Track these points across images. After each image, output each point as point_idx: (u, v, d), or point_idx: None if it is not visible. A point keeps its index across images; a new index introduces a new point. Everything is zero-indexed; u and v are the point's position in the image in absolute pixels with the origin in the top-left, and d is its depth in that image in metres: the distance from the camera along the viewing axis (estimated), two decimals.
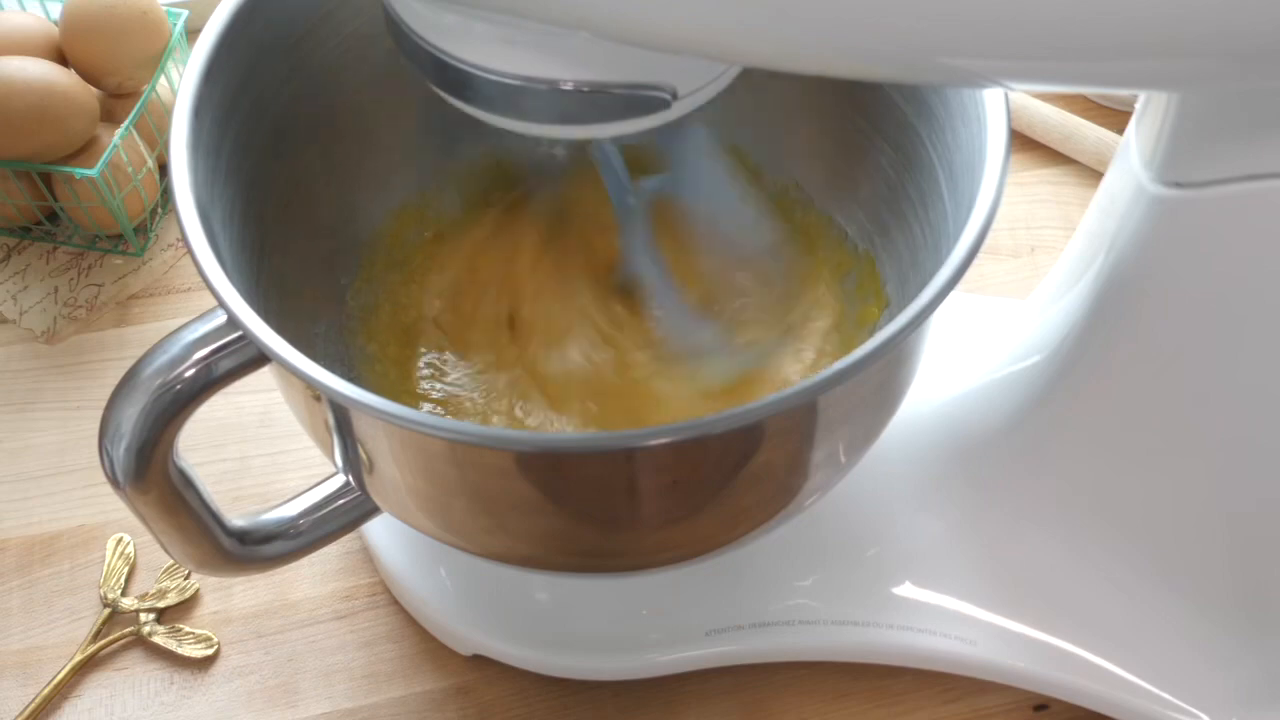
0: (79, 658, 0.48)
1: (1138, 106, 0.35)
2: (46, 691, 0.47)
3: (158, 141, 0.59)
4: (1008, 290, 0.59)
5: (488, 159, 0.48)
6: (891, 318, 0.30)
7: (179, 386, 0.32)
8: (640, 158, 0.44)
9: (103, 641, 0.48)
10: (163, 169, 0.60)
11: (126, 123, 0.56)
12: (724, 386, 0.44)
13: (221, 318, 0.32)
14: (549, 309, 0.45)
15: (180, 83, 0.35)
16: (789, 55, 0.25)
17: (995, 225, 0.32)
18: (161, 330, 0.47)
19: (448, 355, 0.46)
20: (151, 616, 0.49)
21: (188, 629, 0.49)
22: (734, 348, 0.45)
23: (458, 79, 0.28)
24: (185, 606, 0.50)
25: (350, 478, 0.37)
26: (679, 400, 0.43)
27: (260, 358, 0.32)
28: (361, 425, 0.33)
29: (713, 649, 0.45)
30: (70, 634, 0.49)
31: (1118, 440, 0.39)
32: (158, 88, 0.58)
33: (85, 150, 0.56)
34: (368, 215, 0.46)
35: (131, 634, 0.49)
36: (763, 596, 0.46)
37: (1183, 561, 0.42)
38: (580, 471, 0.33)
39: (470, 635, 0.46)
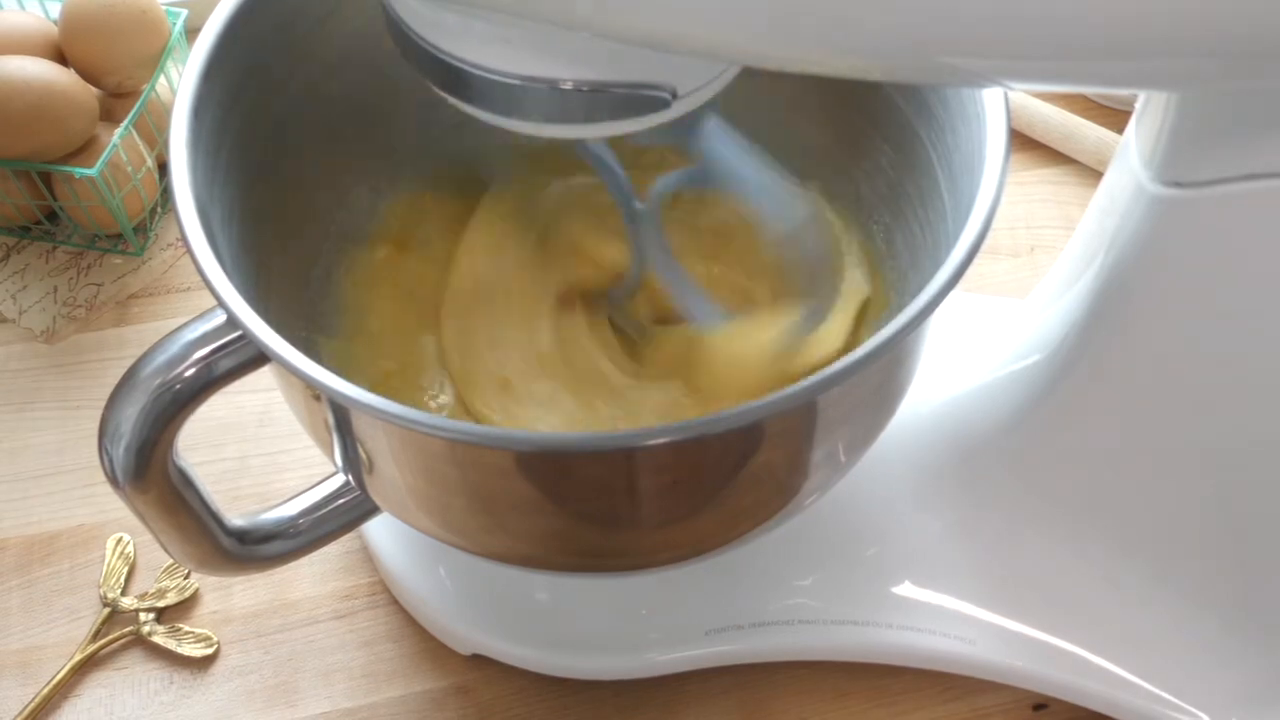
0: (79, 657, 0.48)
1: (1138, 106, 0.35)
2: (46, 691, 0.47)
3: (157, 141, 0.59)
4: (1008, 290, 0.59)
5: (487, 156, 0.48)
6: (891, 318, 0.30)
7: (179, 386, 0.32)
8: (656, 154, 0.44)
9: (102, 641, 0.48)
10: (162, 169, 0.60)
11: (126, 122, 0.56)
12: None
13: (221, 317, 0.32)
14: (552, 342, 0.44)
15: (180, 82, 0.35)
16: (789, 55, 0.25)
17: (995, 225, 0.32)
18: (161, 330, 0.47)
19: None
20: (151, 616, 0.49)
21: (187, 628, 0.49)
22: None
23: (458, 79, 0.28)
24: (185, 606, 0.50)
25: (350, 477, 0.37)
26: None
27: (260, 357, 0.32)
28: (361, 425, 0.33)
29: (712, 649, 0.45)
30: (70, 634, 0.49)
31: (1118, 440, 0.39)
32: (157, 87, 0.58)
33: (85, 150, 0.56)
34: (367, 214, 0.46)
35: (131, 634, 0.49)
36: (762, 596, 0.46)
37: (1183, 561, 0.42)
38: (580, 471, 0.33)
39: (470, 635, 0.46)
